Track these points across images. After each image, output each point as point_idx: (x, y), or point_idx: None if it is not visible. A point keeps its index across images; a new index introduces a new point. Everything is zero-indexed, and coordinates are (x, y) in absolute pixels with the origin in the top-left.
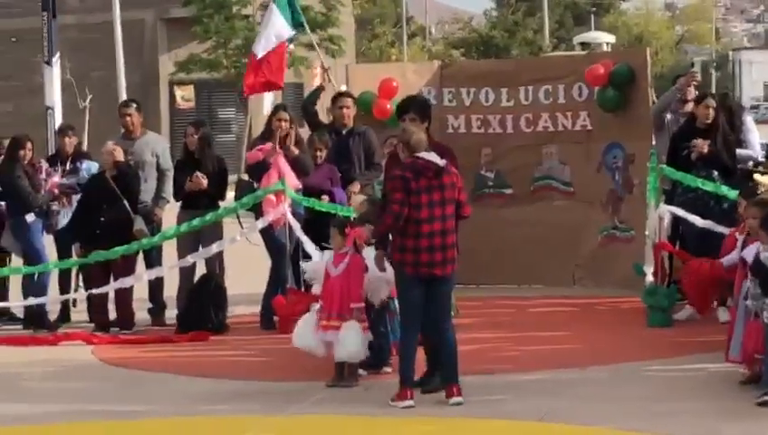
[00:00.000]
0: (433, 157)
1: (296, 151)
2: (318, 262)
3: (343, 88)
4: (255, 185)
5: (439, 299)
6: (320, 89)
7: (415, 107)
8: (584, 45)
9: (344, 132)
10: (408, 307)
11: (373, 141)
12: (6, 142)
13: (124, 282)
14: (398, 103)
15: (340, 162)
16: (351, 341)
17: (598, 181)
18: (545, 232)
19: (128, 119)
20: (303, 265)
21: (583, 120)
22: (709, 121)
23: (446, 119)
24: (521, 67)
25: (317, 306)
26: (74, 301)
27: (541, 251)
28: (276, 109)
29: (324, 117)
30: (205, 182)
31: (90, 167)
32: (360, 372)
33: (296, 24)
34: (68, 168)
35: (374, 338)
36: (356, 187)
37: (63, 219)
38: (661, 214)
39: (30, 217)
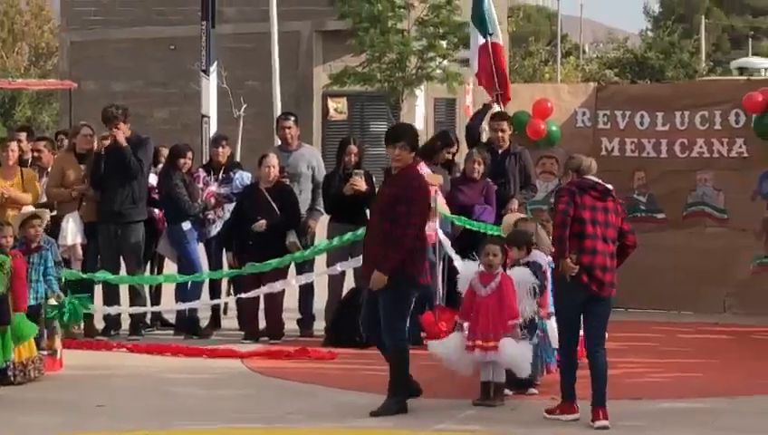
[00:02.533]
0: (600, 181)
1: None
2: (471, 270)
3: (496, 107)
4: None
5: (595, 320)
6: (487, 107)
7: (407, 136)
8: (742, 70)
9: (500, 152)
10: (567, 321)
11: (529, 162)
12: (166, 151)
13: (274, 286)
14: (388, 130)
15: (495, 182)
16: (513, 355)
17: (752, 209)
18: (697, 258)
19: (287, 131)
20: (458, 265)
21: (739, 147)
22: None
23: (601, 141)
24: (677, 91)
25: (463, 325)
26: (225, 308)
27: (691, 277)
28: (447, 139)
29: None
30: (363, 185)
31: (242, 177)
32: (507, 391)
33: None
34: (221, 177)
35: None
36: (514, 204)
37: (215, 229)
38: None
39: (186, 225)
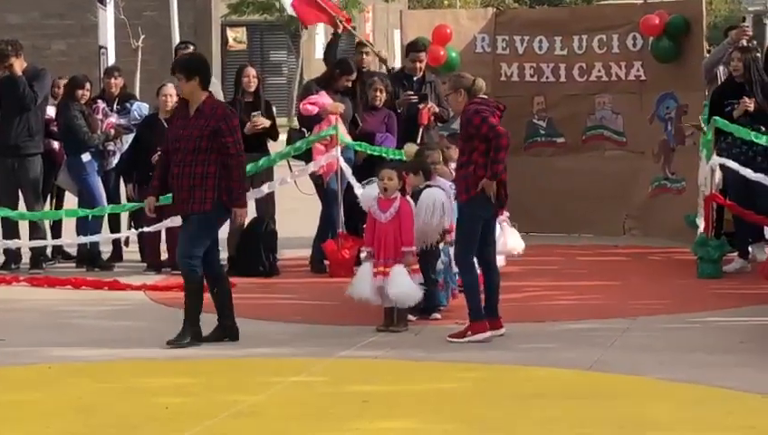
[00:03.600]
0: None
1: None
2: (373, 190)
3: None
4: (306, 133)
5: (492, 234)
6: (338, 37)
7: (179, 66)
8: None
9: (415, 80)
10: (474, 238)
11: (442, 91)
12: (64, 82)
13: (176, 220)
14: (180, 60)
15: (412, 109)
16: (402, 283)
17: (650, 132)
18: (596, 181)
19: None
20: (359, 193)
21: (637, 70)
22: (739, 74)
23: (500, 66)
24: (575, 16)
25: (365, 252)
26: (127, 240)
27: (591, 200)
28: (348, 67)
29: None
30: (267, 122)
31: (140, 107)
32: (410, 317)
33: None
34: (116, 108)
35: (424, 283)
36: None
37: (115, 160)
38: (713, 166)
39: (86, 157)
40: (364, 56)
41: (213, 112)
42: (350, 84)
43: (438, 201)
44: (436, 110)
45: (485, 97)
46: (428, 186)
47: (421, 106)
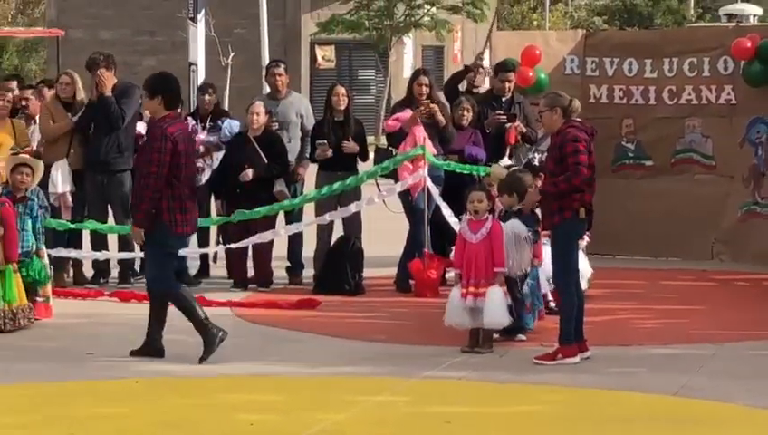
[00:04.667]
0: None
1: (443, 122)
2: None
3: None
4: (393, 152)
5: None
6: (468, 70)
7: (144, 84)
8: (730, 17)
9: (504, 101)
10: (574, 260)
11: (530, 111)
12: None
13: (263, 236)
14: (149, 79)
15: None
16: (497, 307)
17: (740, 156)
18: (684, 205)
19: (277, 78)
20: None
21: (728, 94)
22: None
23: (589, 88)
24: (666, 38)
25: (452, 273)
26: (215, 256)
27: (679, 224)
28: (416, 73)
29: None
30: (329, 153)
31: (230, 125)
32: (495, 335)
33: None
34: (208, 125)
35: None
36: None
37: (204, 177)
38: None
39: None
40: (506, 84)
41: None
42: (422, 89)
43: (517, 235)
44: (524, 129)
45: (581, 121)
46: (520, 209)
47: (508, 125)
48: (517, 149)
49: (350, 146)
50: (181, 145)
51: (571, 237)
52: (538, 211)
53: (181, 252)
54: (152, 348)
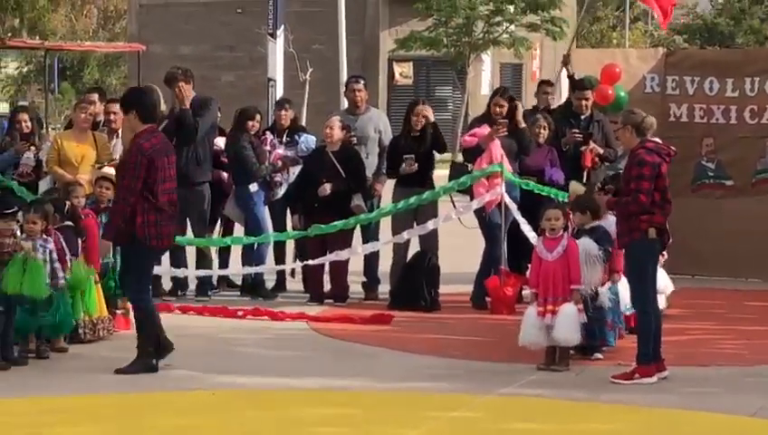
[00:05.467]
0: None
1: (522, 124)
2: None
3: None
4: (470, 167)
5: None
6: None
7: (120, 99)
8: None
9: (582, 118)
10: (653, 279)
11: (609, 129)
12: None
13: (340, 254)
14: (125, 93)
15: (578, 147)
16: (569, 323)
17: None
18: (765, 226)
19: (356, 94)
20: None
21: None
22: None
23: (669, 107)
24: (748, 57)
25: (527, 291)
26: (292, 271)
27: (759, 244)
28: (495, 93)
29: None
30: (415, 167)
31: (307, 140)
32: (571, 353)
33: None
34: (285, 140)
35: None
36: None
37: (281, 191)
38: None
39: (253, 187)
40: (584, 102)
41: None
42: (497, 109)
43: (588, 254)
44: (600, 151)
45: (659, 142)
46: (593, 227)
47: (583, 149)
48: (595, 171)
49: (410, 167)
50: (158, 160)
51: (643, 258)
52: (611, 229)
53: (259, 268)
54: (163, 347)
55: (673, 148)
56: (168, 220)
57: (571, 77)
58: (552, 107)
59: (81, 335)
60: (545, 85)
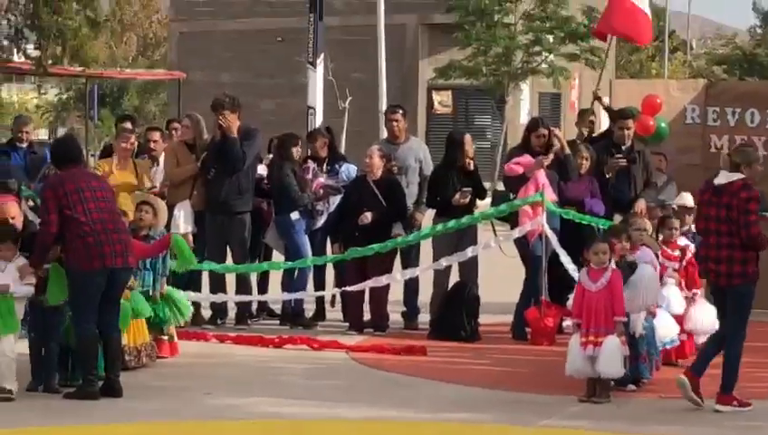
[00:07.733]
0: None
1: (567, 150)
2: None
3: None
4: (512, 196)
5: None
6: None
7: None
8: None
9: (623, 149)
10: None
11: (650, 161)
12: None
13: (379, 280)
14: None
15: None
16: (613, 356)
17: None
18: None
19: (395, 124)
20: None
21: None
22: None
23: (710, 138)
24: None
25: (569, 321)
26: (333, 300)
27: None
28: (534, 124)
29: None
30: (468, 199)
31: (348, 169)
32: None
33: None
34: (325, 169)
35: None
36: (641, 204)
37: (321, 220)
38: None
39: (294, 216)
40: (625, 132)
41: None
42: (540, 140)
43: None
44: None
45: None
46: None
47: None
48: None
49: (463, 199)
50: (69, 184)
51: (753, 296)
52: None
53: (298, 294)
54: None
55: None
56: (104, 240)
57: (607, 108)
58: (594, 134)
59: (126, 362)
60: (587, 114)
